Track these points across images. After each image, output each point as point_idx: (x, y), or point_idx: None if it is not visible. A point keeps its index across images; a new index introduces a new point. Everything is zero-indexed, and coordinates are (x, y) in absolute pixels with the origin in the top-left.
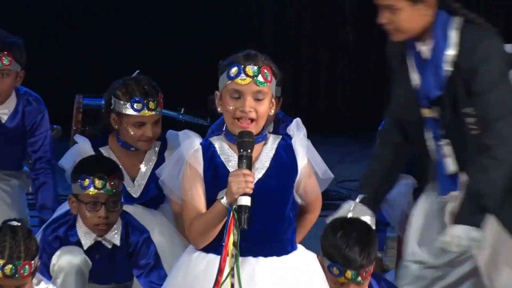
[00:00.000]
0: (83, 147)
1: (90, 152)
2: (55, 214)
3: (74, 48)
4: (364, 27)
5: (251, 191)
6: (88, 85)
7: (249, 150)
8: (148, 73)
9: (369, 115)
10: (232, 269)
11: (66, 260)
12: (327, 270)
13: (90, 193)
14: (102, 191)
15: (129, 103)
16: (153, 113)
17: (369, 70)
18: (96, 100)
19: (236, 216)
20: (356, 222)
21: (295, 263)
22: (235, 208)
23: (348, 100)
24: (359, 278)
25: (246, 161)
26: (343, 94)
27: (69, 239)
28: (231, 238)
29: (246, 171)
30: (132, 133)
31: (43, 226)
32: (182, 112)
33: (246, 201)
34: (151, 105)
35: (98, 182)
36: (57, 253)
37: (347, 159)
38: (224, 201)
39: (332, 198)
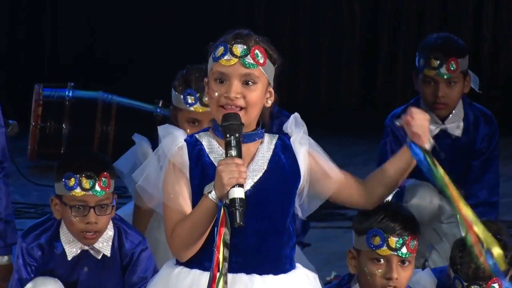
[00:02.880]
0: (141, 147)
1: (150, 152)
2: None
3: (32, 30)
4: (374, 4)
5: (245, 182)
6: (50, 73)
7: (237, 134)
8: (116, 59)
9: (378, 108)
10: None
11: None
12: (365, 251)
13: (77, 194)
14: (90, 192)
15: (182, 95)
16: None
17: (378, 56)
18: (58, 90)
19: (227, 212)
20: (391, 203)
21: (294, 284)
22: (225, 203)
23: (354, 91)
24: (404, 250)
25: (236, 148)
26: (348, 84)
27: (54, 249)
28: (223, 239)
29: (238, 160)
30: (187, 131)
31: (22, 232)
32: (160, 105)
33: (239, 193)
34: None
35: (84, 182)
36: (29, 285)
37: (353, 161)
38: (212, 195)
39: (337, 206)
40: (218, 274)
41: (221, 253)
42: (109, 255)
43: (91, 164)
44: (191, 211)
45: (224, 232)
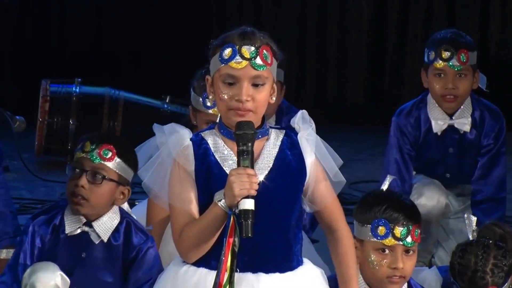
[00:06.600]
0: (160, 139)
1: None
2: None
3: (40, 25)
4: (381, 1)
5: (255, 193)
6: (57, 68)
7: (249, 144)
8: (123, 55)
9: (386, 104)
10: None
11: (40, 280)
12: (369, 241)
13: (77, 156)
14: (86, 155)
15: (201, 98)
16: None
17: (385, 53)
18: (65, 86)
19: (236, 221)
20: (392, 192)
21: (300, 281)
22: (235, 212)
23: (361, 86)
24: (409, 239)
25: (249, 158)
26: (355, 80)
27: (59, 233)
28: (231, 249)
29: (250, 171)
30: None
31: (31, 215)
32: (167, 101)
33: (250, 204)
34: None
35: (87, 144)
36: (28, 270)
37: (360, 157)
38: (222, 203)
39: (344, 202)
40: (224, 283)
41: (228, 263)
42: (105, 240)
43: (103, 134)
44: (201, 216)
45: (233, 243)
